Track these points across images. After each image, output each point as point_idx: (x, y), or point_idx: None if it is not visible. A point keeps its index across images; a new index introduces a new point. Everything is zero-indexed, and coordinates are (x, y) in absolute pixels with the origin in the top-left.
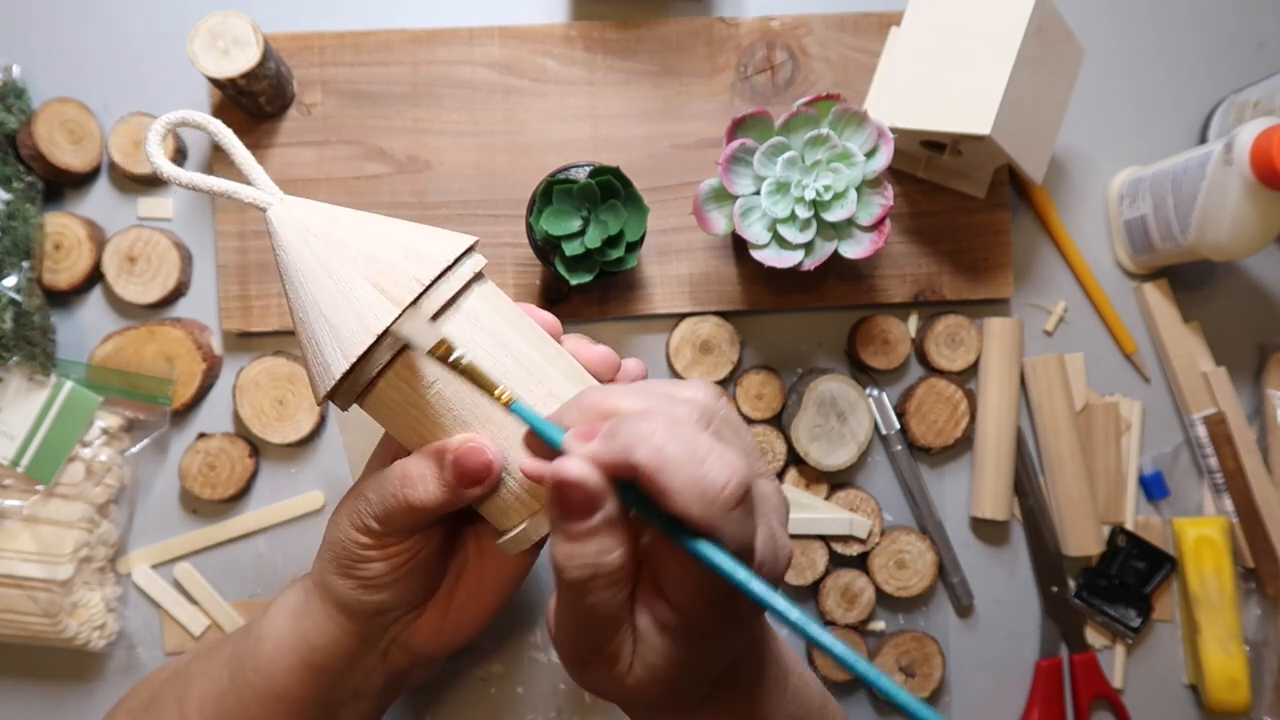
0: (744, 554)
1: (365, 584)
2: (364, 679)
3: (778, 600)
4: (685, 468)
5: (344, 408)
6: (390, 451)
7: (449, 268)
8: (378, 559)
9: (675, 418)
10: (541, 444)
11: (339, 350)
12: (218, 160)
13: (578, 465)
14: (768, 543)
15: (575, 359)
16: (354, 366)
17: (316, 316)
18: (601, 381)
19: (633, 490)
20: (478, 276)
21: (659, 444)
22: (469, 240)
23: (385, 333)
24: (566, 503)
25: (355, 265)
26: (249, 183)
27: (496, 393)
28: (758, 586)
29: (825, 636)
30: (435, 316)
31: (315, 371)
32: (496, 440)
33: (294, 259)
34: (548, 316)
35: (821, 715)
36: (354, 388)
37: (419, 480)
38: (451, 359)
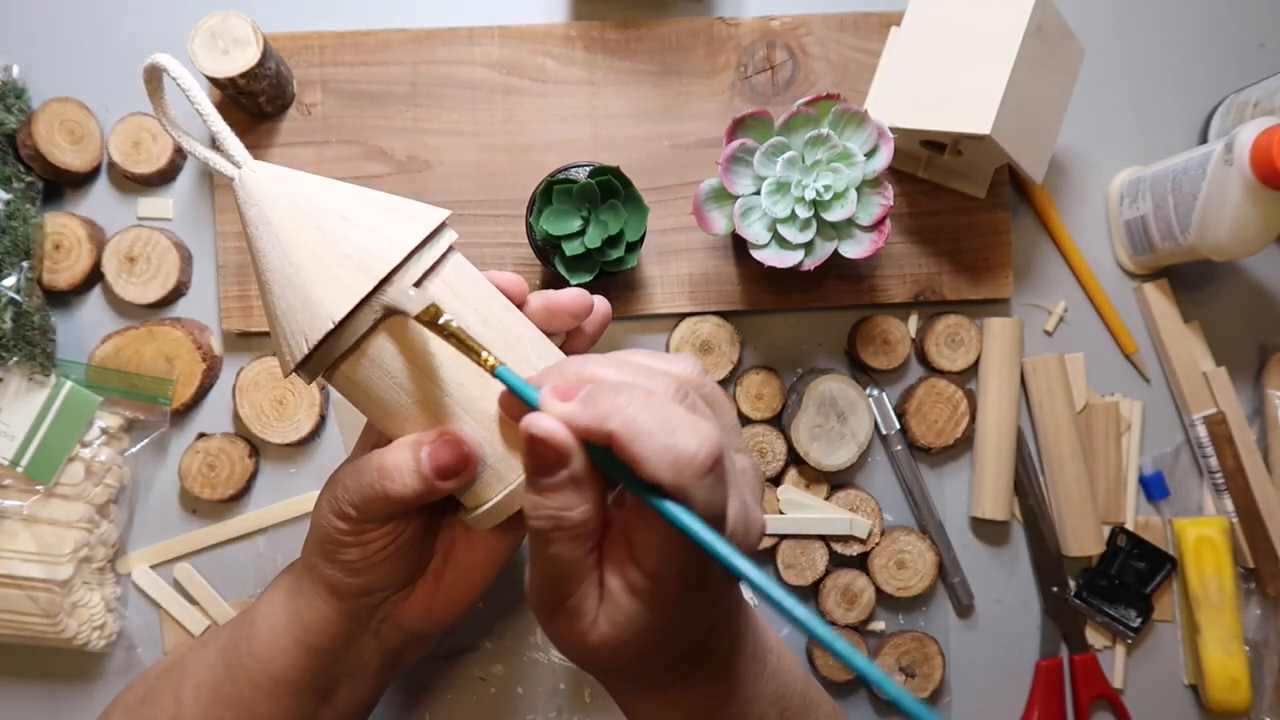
0: (715, 521)
1: (347, 567)
2: (359, 658)
3: (743, 563)
4: (657, 436)
5: (309, 381)
6: (373, 437)
7: (424, 242)
8: (355, 544)
9: (651, 390)
10: (520, 408)
11: (310, 321)
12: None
13: (548, 422)
14: (739, 514)
15: (549, 304)
16: (325, 339)
17: (286, 286)
18: (576, 326)
19: (608, 455)
20: (450, 250)
21: (633, 414)
22: (441, 215)
23: (362, 303)
24: (535, 456)
25: (329, 239)
26: (220, 146)
27: (482, 357)
28: (724, 549)
29: (793, 603)
30: (416, 284)
31: (284, 342)
32: (471, 429)
33: (264, 228)
34: (510, 278)
35: (804, 697)
36: (324, 361)
37: (396, 472)
38: (440, 321)
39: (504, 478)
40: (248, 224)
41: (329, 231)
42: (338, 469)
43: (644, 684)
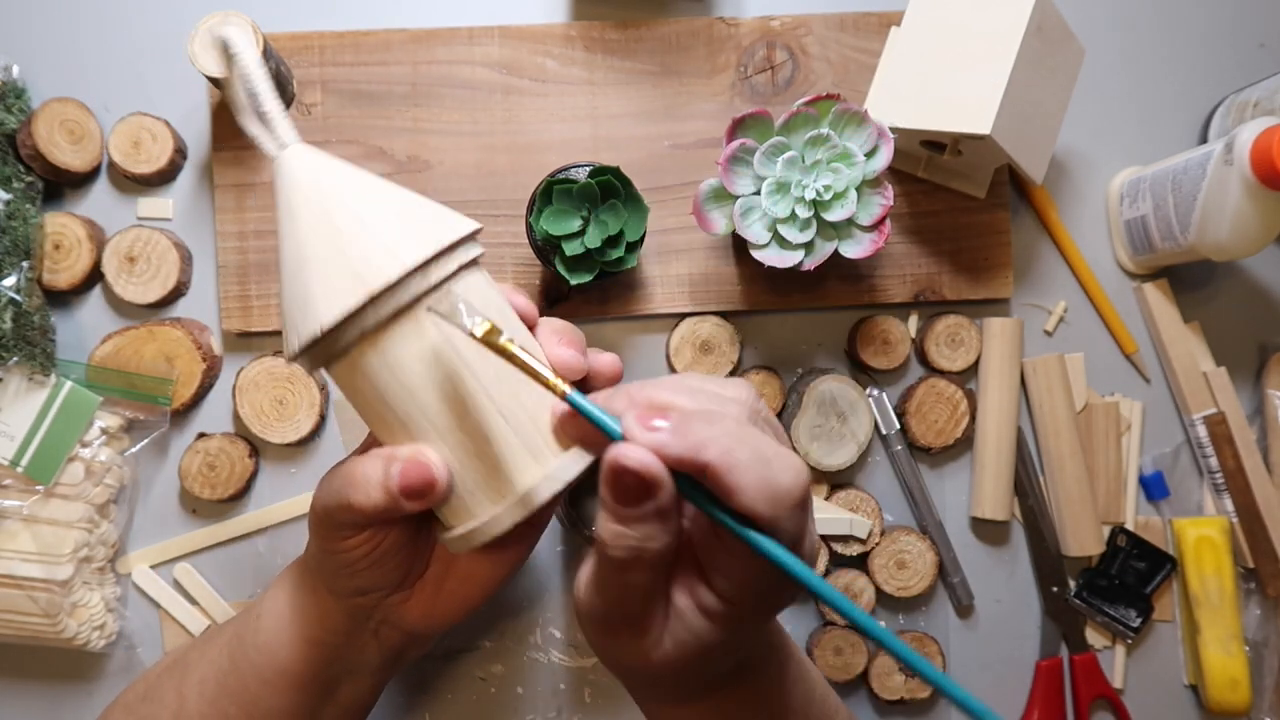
0: (796, 547)
1: (334, 571)
2: (360, 655)
3: (834, 592)
4: (753, 468)
5: (308, 370)
6: (373, 437)
7: (450, 247)
8: (333, 551)
9: (733, 417)
10: (579, 426)
11: (304, 321)
12: (217, 161)
13: (641, 454)
14: (811, 534)
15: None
16: (315, 342)
17: (294, 278)
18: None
19: (687, 482)
20: (465, 268)
21: (728, 445)
22: (460, 232)
23: (355, 314)
24: (622, 487)
25: (338, 240)
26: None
27: (552, 383)
28: (818, 581)
29: (875, 626)
30: (428, 293)
31: (285, 332)
32: (445, 456)
33: (286, 215)
34: (522, 301)
35: (823, 702)
36: (318, 358)
37: (363, 483)
38: (500, 342)
39: (471, 511)
40: (276, 208)
41: (342, 231)
42: (332, 466)
43: (682, 695)
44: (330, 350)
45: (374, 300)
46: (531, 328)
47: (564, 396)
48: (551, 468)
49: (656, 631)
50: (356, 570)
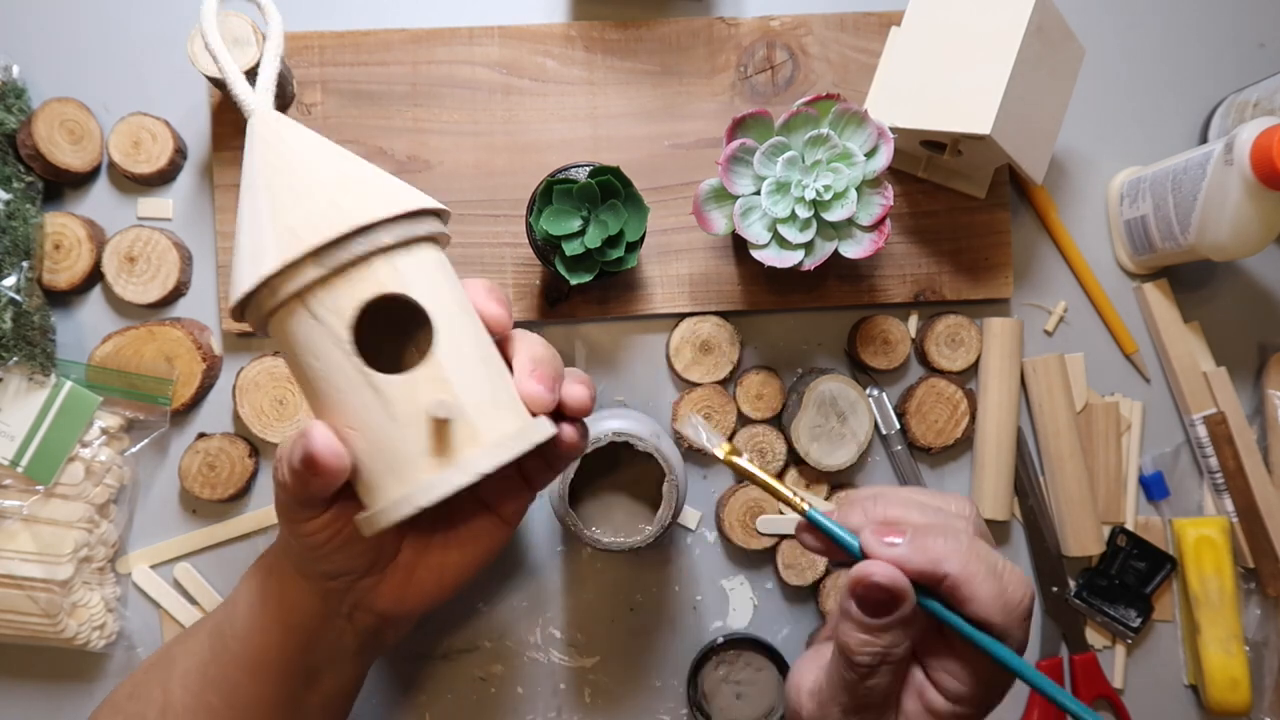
0: (1021, 651)
1: (301, 554)
2: (338, 638)
3: (1062, 693)
4: (988, 582)
5: (255, 328)
6: None
7: (382, 223)
8: (296, 533)
9: (961, 531)
10: (818, 538)
11: (244, 273)
12: (217, 161)
13: (886, 570)
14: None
15: (539, 371)
16: (252, 294)
17: (244, 230)
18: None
19: (925, 593)
20: (425, 240)
21: (965, 559)
22: (405, 207)
23: (286, 270)
24: (871, 601)
25: (292, 195)
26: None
27: (793, 502)
28: (1050, 686)
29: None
30: (343, 269)
31: (234, 279)
32: (356, 422)
33: (250, 169)
34: (494, 310)
35: None
36: (256, 313)
37: (279, 461)
38: (738, 463)
39: (374, 498)
40: (244, 162)
41: (296, 188)
42: None
43: None
44: (263, 307)
45: (312, 255)
46: (503, 341)
47: (804, 514)
48: (431, 478)
49: None
50: (322, 554)
